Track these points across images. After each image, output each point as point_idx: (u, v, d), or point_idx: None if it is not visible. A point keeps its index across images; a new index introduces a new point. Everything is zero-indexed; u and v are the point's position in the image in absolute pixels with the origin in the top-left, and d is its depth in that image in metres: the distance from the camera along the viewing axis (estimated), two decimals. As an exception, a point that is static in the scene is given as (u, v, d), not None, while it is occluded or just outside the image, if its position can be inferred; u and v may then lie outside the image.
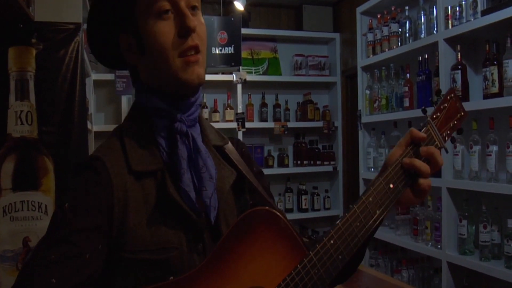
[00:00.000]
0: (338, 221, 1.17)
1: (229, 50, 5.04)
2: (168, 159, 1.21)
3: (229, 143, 1.38)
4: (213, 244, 1.18)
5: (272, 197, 1.40)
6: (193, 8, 1.21)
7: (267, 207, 1.12)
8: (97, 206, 1.10)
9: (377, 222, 1.22)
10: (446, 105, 1.43)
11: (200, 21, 1.22)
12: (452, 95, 1.45)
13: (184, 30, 1.17)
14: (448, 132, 1.42)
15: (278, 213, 1.12)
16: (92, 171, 1.14)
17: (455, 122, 1.44)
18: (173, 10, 1.18)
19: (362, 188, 4.60)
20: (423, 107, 1.44)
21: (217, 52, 5.00)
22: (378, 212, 1.21)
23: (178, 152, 1.19)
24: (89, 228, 1.08)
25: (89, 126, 3.81)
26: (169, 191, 1.15)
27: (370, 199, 1.21)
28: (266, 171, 5.21)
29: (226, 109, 5.32)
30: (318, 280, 1.10)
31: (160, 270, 1.12)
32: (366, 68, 4.62)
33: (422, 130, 1.35)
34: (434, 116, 1.40)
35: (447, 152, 1.39)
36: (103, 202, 1.11)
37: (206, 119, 5.03)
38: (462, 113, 1.46)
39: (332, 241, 1.13)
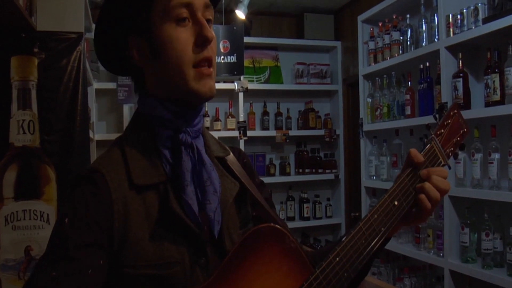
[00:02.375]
0: (343, 238, 1.16)
1: (232, 59, 5.05)
2: (171, 171, 1.18)
3: (231, 153, 1.36)
4: (216, 258, 1.17)
5: (273, 207, 1.39)
6: (207, 21, 1.20)
7: (272, 224, 1.11)
8: (96, 221, 1.09)
9: (382, 240, 1.21)
10: (449, 121, 1.42)
11: (213, 35, 1.21)
12: (455, 111, 1.45)
13: (202, 40, 1.16)
14: (452, 148, 1.41)
15: (284, 230, 1.11)
16: (91, 184, 1.12)
17: (458, 138, 1.43)
18: (191, 19, 1.17)
19: (364, 196, 4.59)
20: (427, 124, 1.43)
21: (220, 60, 5.01)
22: (383, 229, 1.21)
23: (182, 164, 1.17)
24: (90, 243, 1.07)
25: (91, 134, 3.81)
26: (171, 205, 1.13)
27: (376, 216, 1.21)
28: (268, 180, 5.22)
29: (228, 117, 5.33)
30: None
31: (162, 286, 1.11)
32: (367, 76, 4.62)
33: (427, 147, 1.34)
34: (438, 133, 1.39)
35: (450, 168, 1.38)
36: (102, 217, 1.09)
37: (207, 127, 5.04)
38: (465, 129, 1.46)
39: (337, 259, 1.13)
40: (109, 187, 1.12)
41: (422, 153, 1.32)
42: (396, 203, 1.24)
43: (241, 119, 5.28)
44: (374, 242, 1.19)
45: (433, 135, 1.38)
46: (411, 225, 1.37)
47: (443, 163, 1.35)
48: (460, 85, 3.30)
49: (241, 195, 1.29)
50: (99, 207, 1.10)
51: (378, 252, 1.27)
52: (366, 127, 4.57)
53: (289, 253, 1.11)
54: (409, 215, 1.28)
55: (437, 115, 1.45)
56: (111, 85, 4.90)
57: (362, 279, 1.33)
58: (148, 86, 1.25)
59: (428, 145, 1.35)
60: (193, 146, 1.20)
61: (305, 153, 5.77)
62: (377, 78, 4.43)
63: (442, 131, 1.40)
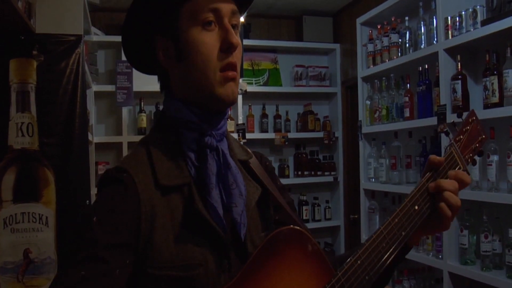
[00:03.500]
0: (365, 241, 1.17)
1: (231, 61, 5.04)
2: (196, 174, 1.19)
3: (253, 157, 1.37)
4: (238, 261, 1.18)
5: (295, 211, 1.39)
6: (233, 26, 1.21)
7: (295, 226, 1.12)
8: (124, 222, 1.10)
9: (402, 244, 1.21)
10: (468, 127, 1.44)
11: (239, 42, 1.22)
12: (474, 117, 1.47)
13: (227, 45, 1.17)
14: (471, 155, 1.43)
15: (306, 232, 1.12)
16: (120, 184, 1.13)
17: (477, 145, 1.45)
18: (217, 24, 1.19)
19: (363, 199, 4.59)
20: (446, 130, 1.45)
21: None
22: (403, 233, 1.21)
23: (207, 167, 1.18)
24: (117, 243, 1.07)
25: (89, 137, 3.81)
26: (197, 207, 1.14)
27: (396, 220, 1.21)
28: (267, 182, 5.21)
29: (227, 120, 5.30)
30: None
31: (185, 287, 1.11)
32: (366, 79, 4.62)
33: (446, 153, 1.35)
34: (457, 139, 1.41)
35: (468, 174, 1.38)
36: (130, 217, 1.10)
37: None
38: (484, 136, 1.47)
39: (359, 262, 1.13)
40: (137, 187, 1.13)
41: (442, 157, 1.33)
42: (416, 207, 1.25)
43: (240, 121, 5.28)
44: (394, 246, 1.19)
45: (452, 141, 1.39)
46: (432, 233, 1.38)
47: (462, 168, 1.36)
48: (458, 87, 3.30)
49: (263, 198, 1.30)
50: (127, 208, 1.11)
51: (399, 260, 1.28)
52: (365, 129, 4.57)
53: (311, 255, 1.12)
54: (429, 223, 1.29)
55: (448, 130, 1.46)
56: (110, 88, 4.90)
57: (385, 283, 1.33)
58: (173, 87, 1.26)
59: (448, 150, 1.37)
60: (218, 149, 1.21)
61: (304, 155, 5.77)
62: (376, 81, 4.43)
63: (461, 137, 1.42)
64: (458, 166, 1.36)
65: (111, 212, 1.11)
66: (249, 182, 1.28)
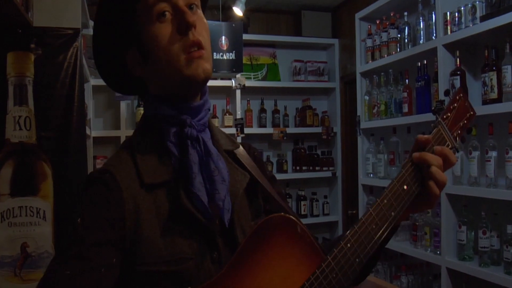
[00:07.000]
0: (354, 224, 1.16)
1: (231, 56, 5.04)
2: (179, 166, 1.19)
3: (240, 147, 1.37)
4: (228, 251, 1.18)
5: (286, 201, 1.39)
6: (190, 6, 1.20)
7: (283, 213, 1.11)
8: (108, 220, 1.10)
9: (392, 224, 1.20)
10: (455, 105, 1.43)
11: (200, 19, 1.21)
12: (461, 94, 1.45)
13: (184, 26, 1.16)
14: (459, 131, 1.42)
15: (295, 219, 1.12)
16: (102, 184, 1.14)
17: (465, 121, 1.44)
18: (172, 11, 1.18)
19: (361, 194, 4.59)
20: (433, 108, 1.44)
21: (219, 57, 5.00)
22: (393, 214, 1.20)
23: (189, 157, 1.18)
24: (102, 242, 1.08)
25: (87, 131, 3.80)
26: (182, 201, 1.14)
27: (385, 201, 1.21)
28: (265, 177, 5.21)
29: (225, 114, 5.32)
30: (337, 284, 1.09)
31: (176, 281, 1.11)
32: (365, 74, 4.62)
33: (434, 131, 1.34)
34: (445, 117, 1.39)
35: (458, 151, 1.38)
36: (114, 216, 1.10)
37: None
38: (472, 112, 1.46)
39: (349, 245, 1.12)
40: (119, 186, 1.13)
41: (429, 136, 1.32)
42: (405, 187, 1.24)
43: (238, 116, 5.28)
44: (384, 227, 1.18)
45: (439, 119, 1.37)
46: (419, 211, 1.37)
47: (450, 146, 1.35)
48: (457, 82, 3.30)
49: (251, 187, 1.30)
50: (110, 206, 1.11)
51: (388, 240, 1.27)
52: (364, 124, 4.57)
53: (301, 241, 1.12)
54: (416, 202, 1.27)
55: (437, 113, 1.44)
56: (108, 82, 4.88)
57: (373, 266, 1.33)
58: (150, 90, 1.27)
59: (435, 128, 1.35)
60: (199, 139, 1.21)
61: (303, 150, 5.77)
62: (374, 76, 4.43)
63: (449, 114, 1.40)
64: (447, 144, 1.35)
65: (95, 211, 1.11)
66: (236, 171, 1.28)
